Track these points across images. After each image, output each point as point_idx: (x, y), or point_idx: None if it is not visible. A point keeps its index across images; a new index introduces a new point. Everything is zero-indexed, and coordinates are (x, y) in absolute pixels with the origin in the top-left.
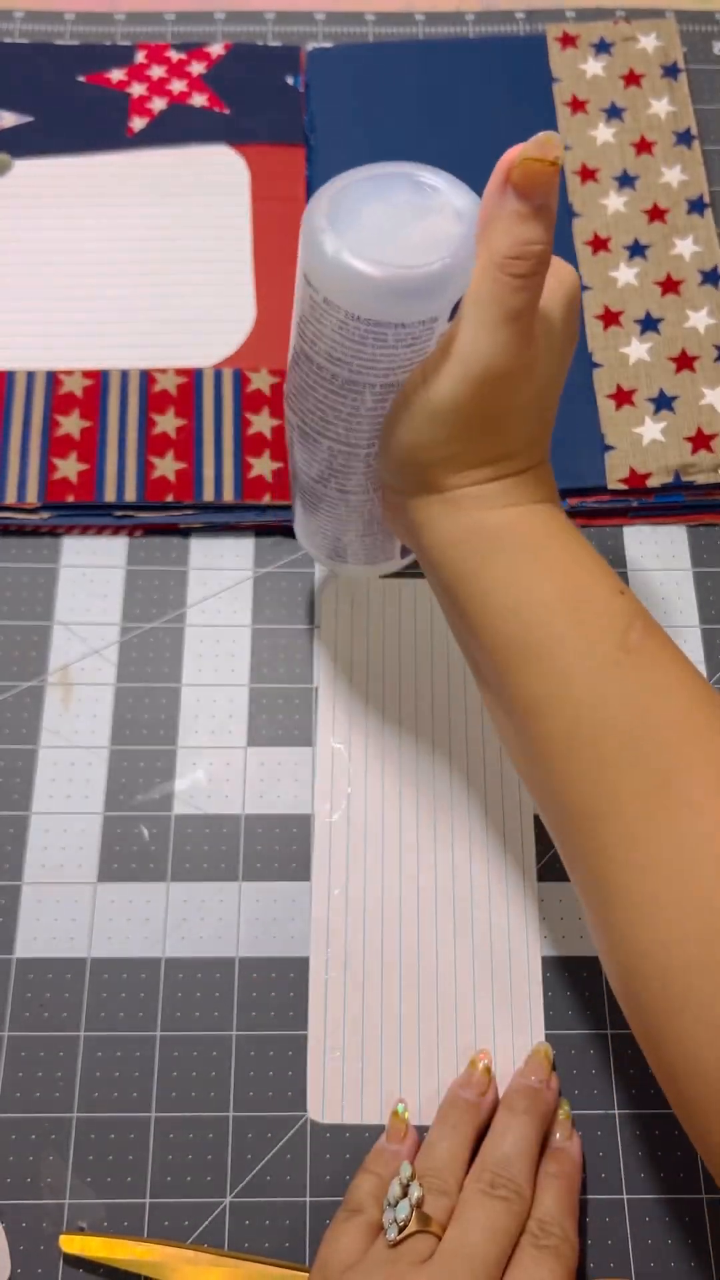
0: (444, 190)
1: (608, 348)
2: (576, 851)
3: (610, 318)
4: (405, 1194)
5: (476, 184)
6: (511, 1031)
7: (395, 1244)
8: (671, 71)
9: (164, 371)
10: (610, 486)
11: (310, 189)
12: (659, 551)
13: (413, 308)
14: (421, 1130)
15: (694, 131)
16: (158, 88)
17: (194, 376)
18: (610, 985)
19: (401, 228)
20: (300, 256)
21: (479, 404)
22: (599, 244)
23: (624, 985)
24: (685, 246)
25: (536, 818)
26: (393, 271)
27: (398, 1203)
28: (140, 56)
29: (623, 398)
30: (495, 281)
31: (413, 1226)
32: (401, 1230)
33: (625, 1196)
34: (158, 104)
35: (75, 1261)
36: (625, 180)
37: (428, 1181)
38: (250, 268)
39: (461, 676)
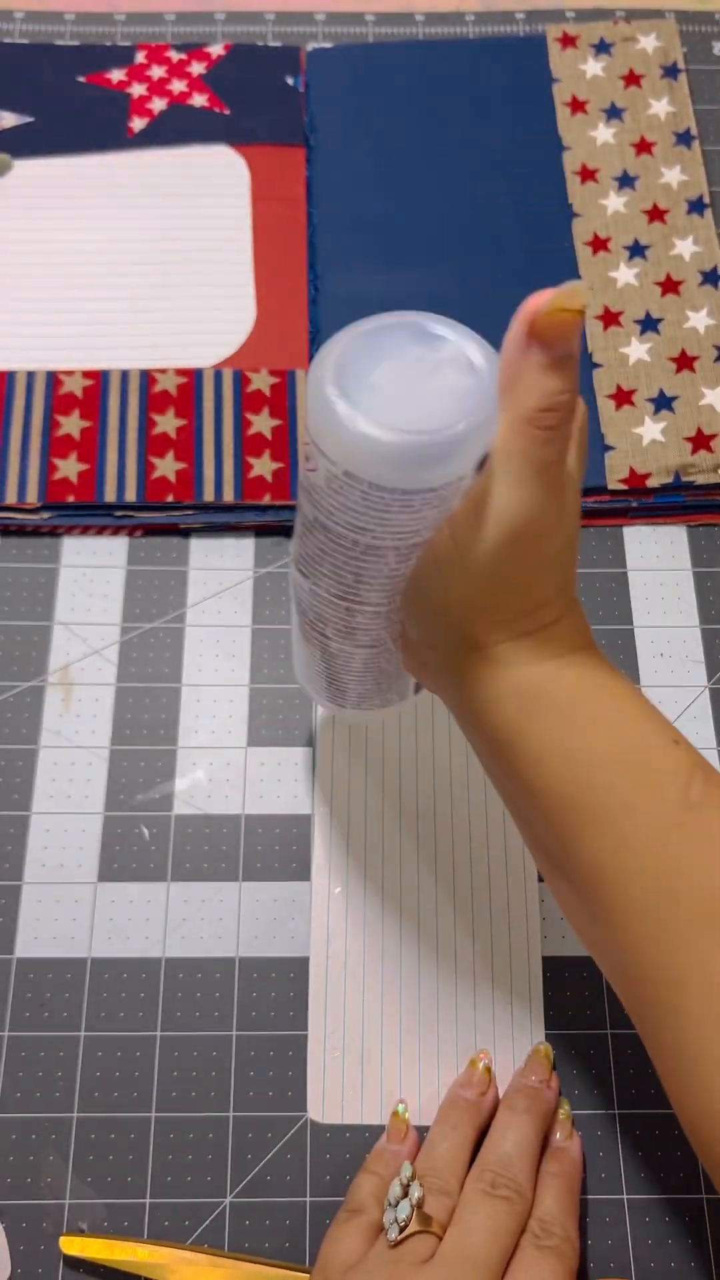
0: (451, 339)
1: (607, 348)
2: (649, 1014)
3: (610, 318)
4: (406, 1194)
5: (474, 188)
6: (511, 1031)
7: (396, 1244)
8: (671, 72)
9: (164, 371)
10: (610, 486)
11: (310, 189)
12: (659, 552)
13: (441, 472)
14: (422, 1130)
15: (694, 132)
16: (158, 88)
17: (194, 376)
18: (686, 1134)
19: (416, 386)
20: (310, 426)
21: (516, 560)
22: (599, 244)
23: (708, 1149)
24: (685, 247)
25: None
26: (419, 439)
27: (398, 1203)
28: (140, 57)
29: (622, 398)
30: (525, 436)
31: (413, 1227)
32: (402, 1230)
33: (625, 1196)
34: (158, 104)
35: (75, 1263)
36: (625, 180)
37: (428, 1182)
38: (250, 268)
39: None
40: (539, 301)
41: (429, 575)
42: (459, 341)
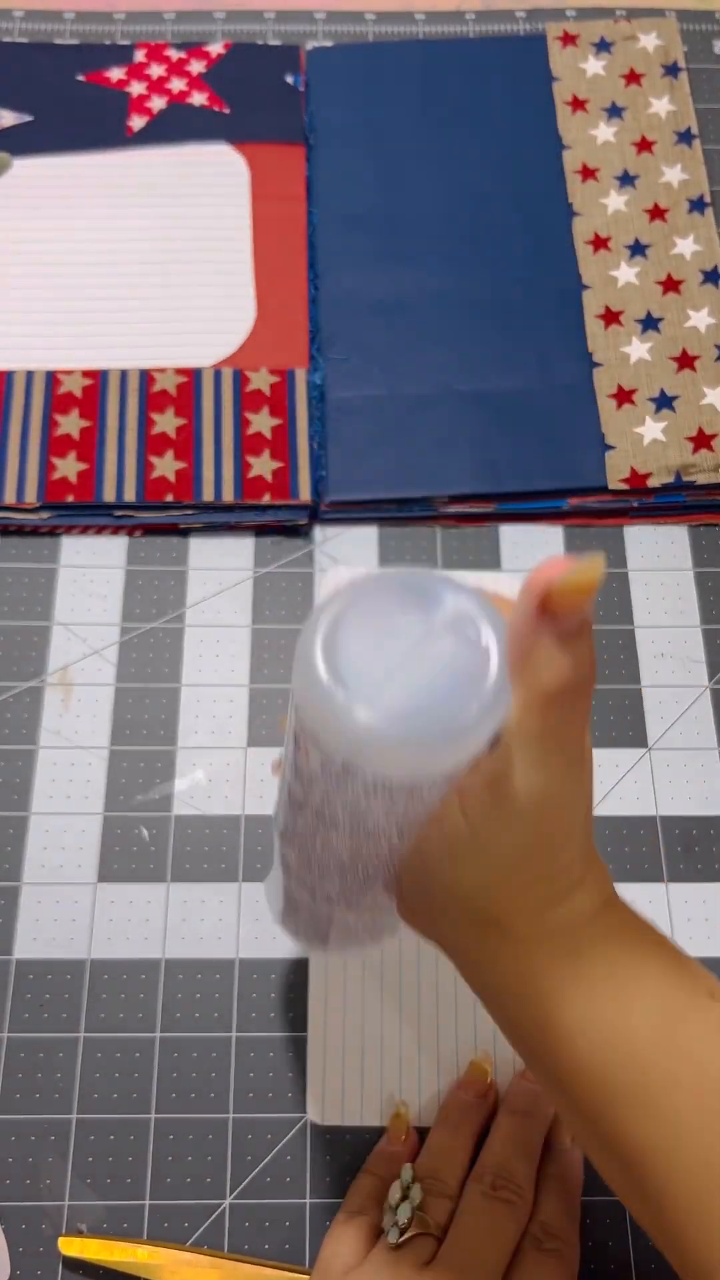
0: (453, 603)
1: (608, 347)
2: None
3: (611, 317)
4: (406, 1196)
5: (474, 187)
6: None
7: (397, 1247)
8: (672, 70)
9: (163, 371)
10: (611, 486)
11: (310, 188)
12: (660, 551)
13: (452, 760)
14: (422, 1132)
15: (694, 131)
16: (157, 87)
17: (194, 376)
18: None
19: (418, 661)
20: (302, 713)
21: (538, 840)
22: (599, 243)
23: None
24: (686, 246)
25: None
26: (428, 730)
27: (399, 1205)
28: (140, 55)
29: (623, 397)
30: (544, 716)
31: (414, 1229)
32: (403, 1233)
33: None
34: (157, 103)
35: (74, 1264)
36: (626, 179)
37: (428, 1184)
38: (250, 267)
39: None
40: (550, 575)
41: (439, 856)
42: (462, 605)
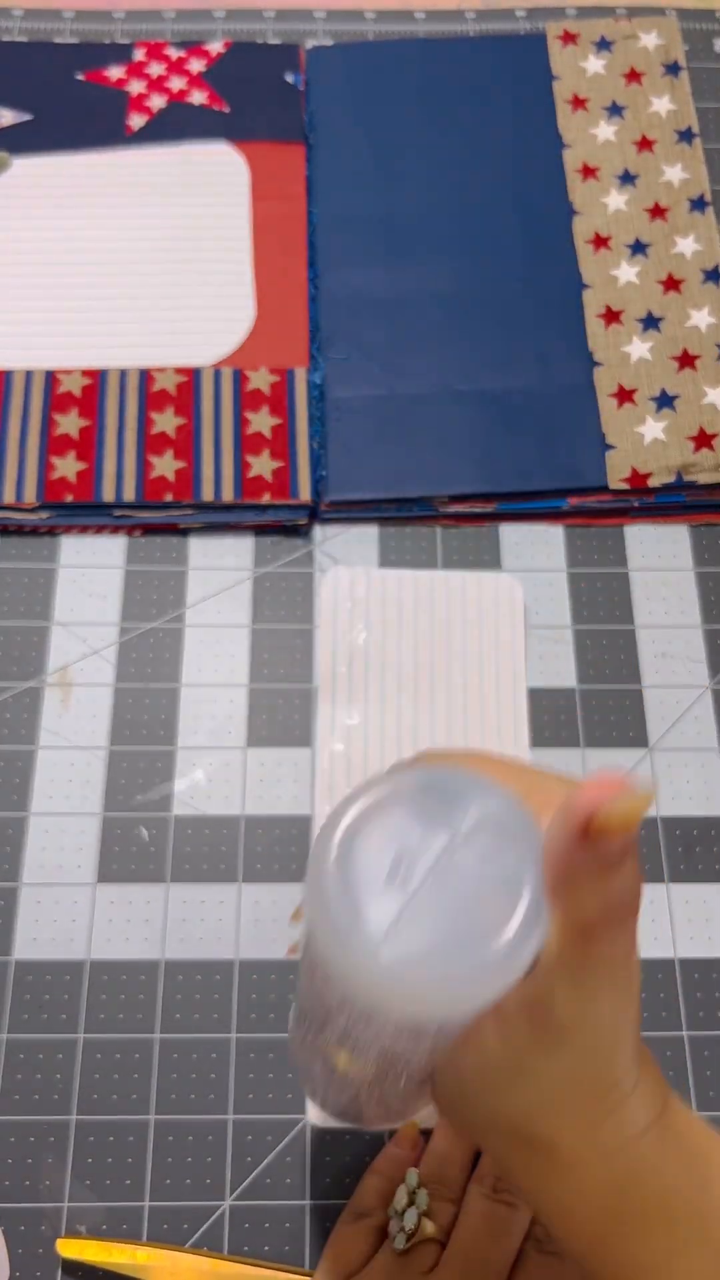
0: (474, 804)
1: (609, 347)
2: None
3: (611, 316)
4: (412, 1201)
5: (474, 186)
6: None
7: (402, 1253)
8: (673, 69)
9: (163, 370)
10: (612, 486)
11: (310, 187)
12: (660, 551)
13: (484, 994)
14: (424, 1134)
15: (695, 129)
16: (157, 85)
17: (193, 375)
18: None
19: (441, 883)
20: (321, 952)
21: (588, 1061)
22: (600, 242)
23: None
24: (686, 245)
25: None
26: (455, 967)
27: (405, 1211)
28: (139, 54)
29: (624, 397)
30: (589, 946)
31: (419, 1235)
32: (409, 1239)
33: None
34: (157, 102)
35: (73, 1266)
36: (626, 178)
37: (433, 1188)
38: (250, 266)
39: (462, 673)
40: (594, 801)
41: (477, 1080)
42: (491, 811)
